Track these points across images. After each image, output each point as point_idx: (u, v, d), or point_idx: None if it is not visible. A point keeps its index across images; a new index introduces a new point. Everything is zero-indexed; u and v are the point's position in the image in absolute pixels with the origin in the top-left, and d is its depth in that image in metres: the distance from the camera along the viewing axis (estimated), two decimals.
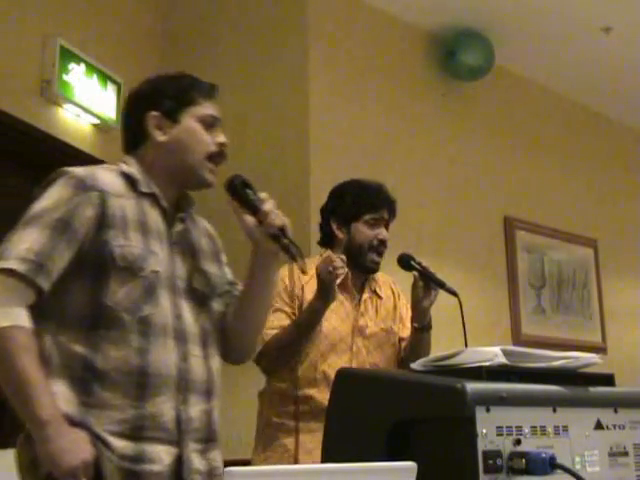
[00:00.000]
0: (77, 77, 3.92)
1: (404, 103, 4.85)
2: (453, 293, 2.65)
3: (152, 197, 1.91)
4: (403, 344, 2.78)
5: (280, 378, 2.65)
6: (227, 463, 1.19)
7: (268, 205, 1.91)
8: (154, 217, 1.90)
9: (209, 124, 1.96)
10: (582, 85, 5.78)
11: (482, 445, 1.34)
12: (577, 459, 1.49)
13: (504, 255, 5.30)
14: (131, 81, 4.31)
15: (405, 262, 2.68)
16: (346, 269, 2.50)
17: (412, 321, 2.69)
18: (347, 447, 1.50)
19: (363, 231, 2.72)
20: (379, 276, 2.83)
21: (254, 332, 2.07)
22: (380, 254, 2.73)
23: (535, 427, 1.43)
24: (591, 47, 5.30)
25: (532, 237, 5.47)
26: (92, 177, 1.85)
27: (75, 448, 1.67)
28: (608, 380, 1.68)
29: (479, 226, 5.14)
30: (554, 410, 1.47)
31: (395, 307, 2.82)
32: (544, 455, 1.37)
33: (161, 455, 1.77)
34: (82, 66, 3.95)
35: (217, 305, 1.99)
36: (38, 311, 1.76)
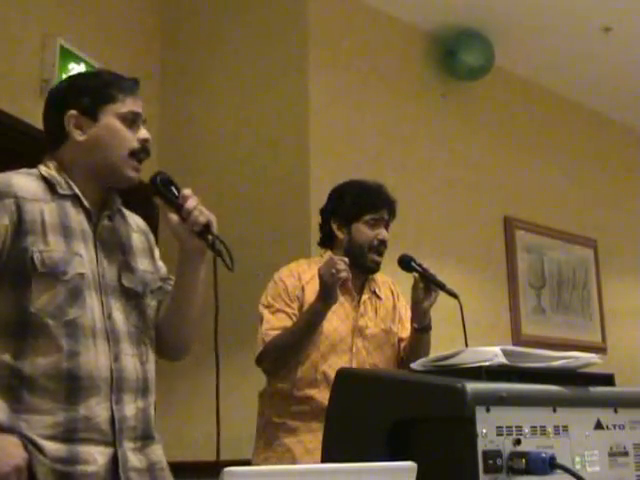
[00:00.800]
0: None
1: (404, 103, 4.85)
2: (453, 295, 2.65)
3: (74, 198, 1.89)
4: (403, 345, 2.78)
5: (280, 378, 2.65)
6: (227, 463, 1.19)
7: (191, 202, 1.88)
8: (77, 218, 1.87)
9: (130, 121, 1.92)
10: (582, 85, 5.78)
11: (482, 445, 1.34)
12: (577, 459, 1.48)
13: (504, 255, 5.30)
14: None
15: (406, 263, 2.68)
16: (349, 272, 2.50)
17: (412, 322, 2.70)
18: (347, 447, 1.50)
19: (363, 231, 2.72)
20: (378, 277, 2.83)
21: (187, 328, 2.04)
22: (380, 254, 2.73)
23: (535, 427, 1.43)
24: (591, 47, 5.30)
25: (532, 237, 5.47)
26: (6, 183, 1.83)
27: (6, 454, 1.67)
28: (608, 380, 1.68)
29: (479, 226, 5.14)
30: (554, 410, 1.47)
31: (394, 308, 2.82)
32: (544, 455, 1.37)
33: (95, 456, 1.77)
34: (82, 66, 3.95)
35: (150, 302, 1.98)
36: None
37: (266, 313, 2.66)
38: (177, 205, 1.88)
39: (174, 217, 1.89)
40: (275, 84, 4.38)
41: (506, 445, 1.37)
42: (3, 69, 3.57)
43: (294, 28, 4.43)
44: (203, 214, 1.88)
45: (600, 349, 5.59)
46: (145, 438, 1.89)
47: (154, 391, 1.95)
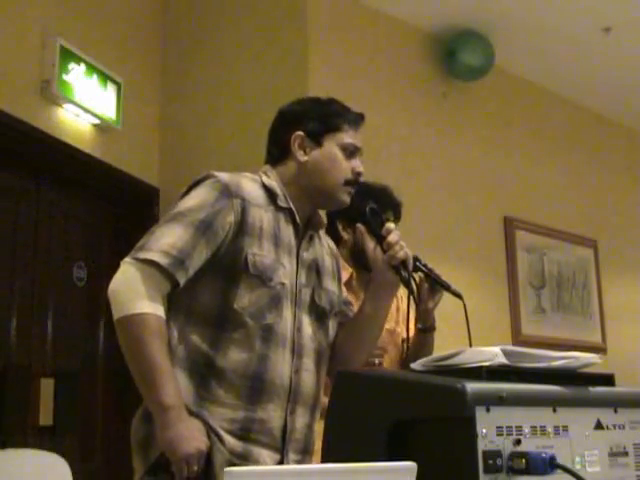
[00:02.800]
0: (77, 77, 3.92)
1: (404, 103, 4.85)
2: (458, 295, 2.65)
3: (288, 212, 1.99)
4: (406, 345, 2.78)
5: None
6: None
7: (394, 236, 1.98)
8: (287, 231, 1.97)
9: (350, 152, 2.03)
10: (582, 85, 5.78)
11: (482, 445, 1.34)
12: (577, 459, 1.48)
13: (504, 255, 5.30)
14: (131, 81, 4.34)
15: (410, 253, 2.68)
16: None
17: (416, 322, 2.69)
18: (347, 447, 1.50)
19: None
20: None
21: (361, 354, 2.13)
22: None
23: (535, 427, 1.43)
24: (591, 47, 5.30)
25: (532, 237, 5.47)
26: (237, 185, 1.92)
27: (192, 436, 1.73)
28: (608, 380, 1.68)
29: (479, 226, 5.14)
30: (554, 410, 1.47)
31: (398, 308, 2.82)
32: (544, 455, 1.37)
33: (265, 458, 1.84)
34: (82, 66, 3.95)
35: (333, 323, 2.07)
36: (170, 303, 1.86)
37: None
38: (380, 236, 1.99)
39: (374, 246, 2.01)
40: (275, 84, 4.38)
41: (506, 445, 1.37)
42: (3, 69, 3.57)
43: (294, 28, 4.43)
44: (403, 250, 1.98)
45: (600, 349, 5.59)
46: (305, 452, 1.95)
47: (321, 409, 2.00)
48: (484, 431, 1.35)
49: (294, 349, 1.92)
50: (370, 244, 2.00)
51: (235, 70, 4.54)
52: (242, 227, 1.88)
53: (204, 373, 1.83)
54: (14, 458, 2.82)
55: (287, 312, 1.92)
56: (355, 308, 2.69)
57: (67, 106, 3.91)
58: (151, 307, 1.77)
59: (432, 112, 5.02)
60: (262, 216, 1.92)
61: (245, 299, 1.86)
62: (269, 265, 1.89)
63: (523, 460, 1.37)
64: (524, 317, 5.30)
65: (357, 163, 2.04)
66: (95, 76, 4.04)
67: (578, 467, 1.47)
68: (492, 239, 5.24)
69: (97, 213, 4.36)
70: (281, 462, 1.87)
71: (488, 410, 1.36)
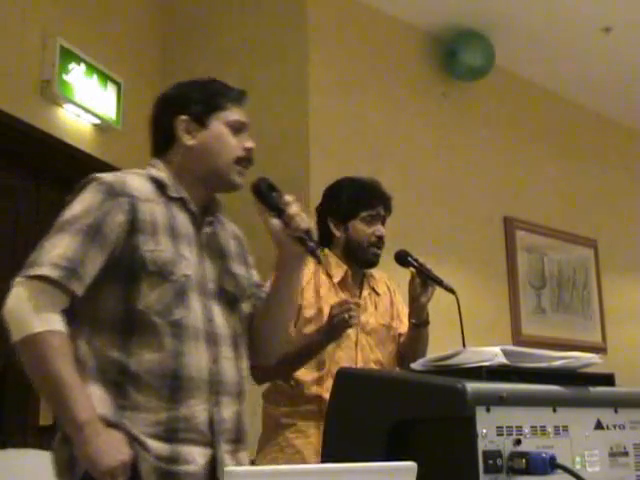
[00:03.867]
0: (77, 77, 3.92)
1: (404, 103, 4.85)
2: (450, 290, 2.65)
3: (181, 201, 1.94)
4: (401, 340, 2.78)
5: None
6: None
7: (294, 208, 1.93)
8: (183, 221, 1.92)
9: (237, 129, 1.98)
10: (582, 85, 5.78)
11: (482, 445, 1.34)
12: (577, 459, 1.49)
13: (504, 255, 5.30)
14: (131, 81, 4.34)
15: (402, 258, 2.68)
16: (357, 317, 2.50)
17: (409, 317, 2.70)
18: (347, 447, 1.50)
19: (361, 229, 2.71)
20: (375, 272, 2.83)
21: (280, 333, 2.10)
22: (379, 249, 2.73)
23: (535, 427, 1.43)
24: (591, 47, 5.30)
25: (532, 237, 5.47)
26: (121, 183, 1.87)
27: (113, 449, 1.69)
28: (608, 380, 1.68)
29: (479, 226, 5.14)
30: (554, 410, 1.47)
31: (392, 303, 2.82)
32: (544, 455, 1.37)
33: (195, 456, 1.80)
34: (82, 66, 3.95)
35: (246, 307, 2.02)
36: (72, 316, 1.79)
37: None
38: (279, 210, 1.93)
39: (276, 222, 1.94)
40: (275, 84, 4.38)
41: (506, 445, 1.37)
42: (3, 69, 3.57)
43: (294, 29, 4.43)
44: (305, 220, 1.93)
45: (600, 349, 5.59)
46: (238, 442, 1.92)
47: (247, 396, 1.98)
48: (484, 431, 1.35)
49: (209, 340, 1.87)
50: (272, 220, 1.92)
51: (235, 70, 4.53)
52: (134, 225, 1.83)
53: (119, 381, 1.78)
54: (14, 458, 2.82)
55: (195, 303, 1.86)
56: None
57: (67, 106, 3.91)
58: (49, 324, 1.71)
59: (432, 112, 5.02)
60: (154, 210, 1.87)
61: (149, 298, 1.81)
62: (168, 259, 1.83)
63: (523, 460, 1.37)
64: (524, 317, 5.30)
65: (245, 139, 1.99)
66: (95, 76, 4.04)
67: (578, 467, 1.47)
68: (492, 239, 5.24)
69: None
70: (214, 456, 1.82)
71: (488, 410, 1.36)
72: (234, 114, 1.99)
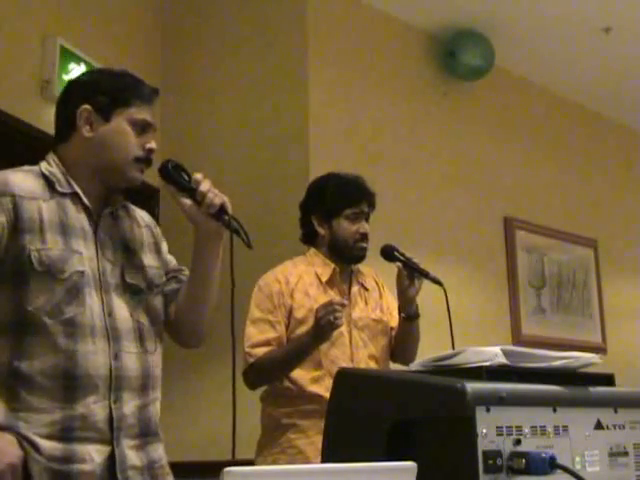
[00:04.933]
0: None
1: (404, 103, 4.85)
2: (437, 282, 2.66)
3: (73, 196, 1.88)
4: (393, 333, 2.79)
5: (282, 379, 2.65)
6: (227, 463, 1.19)
7: (205, 185, 1.90)
8: (77, 216, 1.86)
9: (140, 128, 1.92)
10: (582, 85, 5.78)
11: (482, 445, 1.34)
12: (577, 459, 1.48)
13: (504, 255, 5.30)
14: None
15: (388, 253, 2.69)
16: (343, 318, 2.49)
17: (399, 311, 2.70)
18: (347, 447, 1.50)
19: (345, 226, 2.71)
20: (362, 268, 2.83)
21: (205, 314, 2.04)
22: (365, 244, 2.73)
23: (535, 427, 1.43)
24: (591, 47, 5.30)
25: (532, 237, 5.47)
26: (4, 182, 1.82)
27: (2, 452, 1.67)
28: (608, 380, 1.68)
29: (479, 226, 5.14)
30: (554, 410, 1.47)
31: (381, 297, 2.82)
32: (544, 455, 1.37)
33: (92, 454, 1.77)
34: (82, 66, 3.94)
35: (155, 297, 1.97)
36: None
37: (248, 325, 2.64)
38: (190, 189, 1.90)
39: (188, 202, 1.90)
40: (275, 84, 4.38)
41: (506, 445, 1.37)
42: (3, 69, 3.57)
43: (294, 28, 4.43)
44: (218, 196, 1.90)
45: (600, 349, 5.59)
46: (145, 436, 1.88)
47: (159, 388, 1.95)
48: (484, 431, 1.35)
49: (109, 335, 1.83)
50: (183, 201, 1.89)
51: (235, 70, 4.54)
52: (18, 224, 1.77)
53: (10, 384, 1.75)
54: None
55: (92, 299, 1.82)
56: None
57: None
58: None
59: (432, 112, 5.02)
60: (41, 207, 1.81)
61: (38, 298, 1.76)
62: (57, 257, 1.78)
63: (523, 460, 1.37)
64: (524, 317, 5.30)
65: (148, 139, 1.93)
66: None
67: (578, 467, 1.47)
68: (492, 239, 5.24)
69: None
70: (112, 453, 1.79)
71: (488, 410, 1.36)
72: (141, 112, 1.93)
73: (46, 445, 1.73)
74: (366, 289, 2.80)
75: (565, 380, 1.55)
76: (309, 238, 2.80)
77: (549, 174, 5.70)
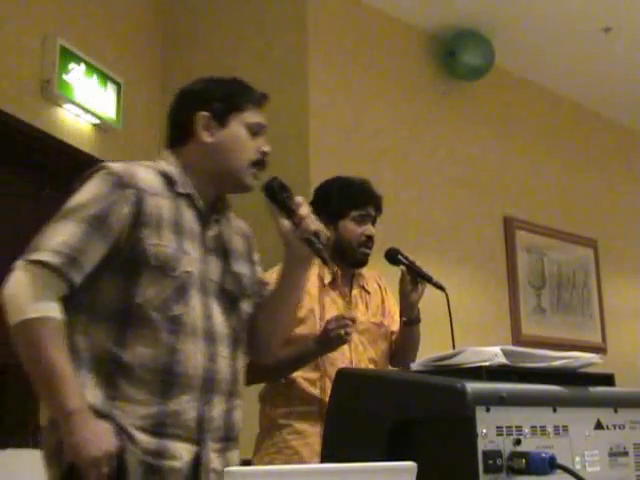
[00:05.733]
0: (77, 77, 3.92)
1: (404, 103, 4.86)
2: (440, 287, 2.65)
3: (188, 197, 1.93)
4: (393, 337, 2.79)
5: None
6: None
7: (304, 209, 1.94)
8: (189, 217, 1.91)
9: (255, 131, 1.98)
10: (582, 85, 5.78)
11: (482, 445, 1.34)
12: (577, 459, 1.48)
13: (504, 255, 5.30)
14: (131, 81, 4.34)
15: (392, 256, 2.68)
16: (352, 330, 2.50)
17: (401, 315, 2.70)
18: (347, 447, 1.50)
19: (350, 228, 2.71)
20: (365, 271, 2.82)
21: (281, 332, 2.10)
22: (369, 249, 2.73)
23: (535, 427, 1.43)
24: (591, 47, 5.30)
25: (532, 237, 5.47)
26: (130, 174, 1.86)
27: (99, 439, 1.69)
28: (608, 380, 1.68)
29: (479, 226, 5.14)
30: (554, 410, 1.47)
31: (383, 301, 2.82)
32: (544, 455, 1.37)
33: (181, 452, 1.79)
34: (82, 66, 3.95)
35: (246, 306, 2.02)
36: (70, 303, 1.78)
37: None
38: (290, 211, 1.94)
39: (285, 222, 1.94)
40: (275, 83, 4.38)
41: (506, 445, 1.37)
42: (3, 69, 3.57)
43: (294, 28, 4.43)
44: (314, 222, 1.93)
45: (600, 349, 5.59)
46: (227, 440, 1.91)
47: (241, 395, 1.98)
48: (484, 431, 1.35)
49: (207, 337, 1.86)
50: (281, 220, 1.93)
51: (235, 70, 4.50)
52: (139, 218, 1.81)
53: (111, 372, 1.77)
54: (14, 458, 2.82)
55: (195, 301, 1.85)
56: (338, 306, 2.70)
57: (67, 106, 3.91)
58: (45, 310, 1.71)
59: (432, 112, 5.02)
60: (160, 204, 1.85)
61: (148, 292, 1.79)
62: (171, 254, 1.82)
63: (523, 460, 1.37)
64: (524, 317, 5.30)
65: (263, 142, 1.98)
66: (95, 76, 4.05)
67: (578, 467, 1.47)
68: (492, 239, 5.24)
69: None
70: (199, 453, 1.82)
71: (488, 410, 1.36)
72: (254, 116, 1.99)
73: (141, 438, 1.75)
74: (368, 292, 2.79)
75: (565, 380, 1.55)
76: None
77: (549, 174, 5.70)
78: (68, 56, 3.85)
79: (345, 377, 1.61)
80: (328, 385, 2.53)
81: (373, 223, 2.76)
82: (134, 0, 4.60)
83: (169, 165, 1.95)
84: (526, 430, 1.41)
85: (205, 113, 1.94)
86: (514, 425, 1.40)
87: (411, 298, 2.63)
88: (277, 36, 4.45)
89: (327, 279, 2.70)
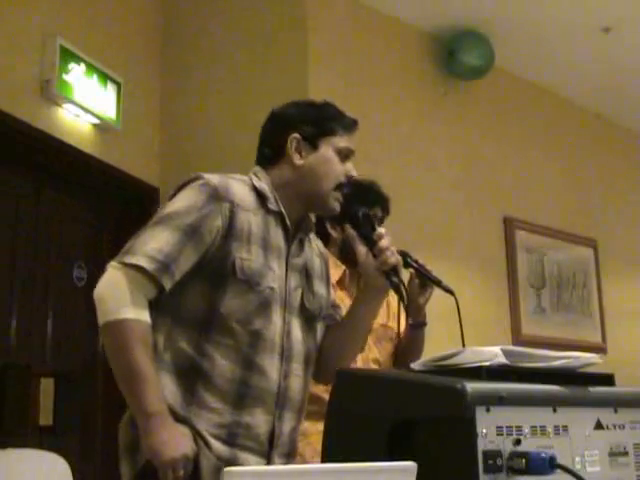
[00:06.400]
0: (77, 77, 3.91)
1: (404, 103, 4.85)
2: (449, 291, 2.65)
3: (278, 215, 1.97)
4: (398, 340, 2.78)
5: None
6: None
7: (385, 242, 1.97)
8: (277, 235, 1.96)
9: (344, 156, 2.02)
10: (582, 85, 5.78)
11: (482, 445, 1.34)
12: (577, 459, 1.48)
13: (504, 255, 5.30)
14: (131, 81, 4.34)
15: (401, 259, 2.68)
16: None
17: (407, 318, 2.69)
18: (347, 447, 1.50)
19: None
20: None
21: (348, 358, 2.14)
22: None
23: (535, 427, 1.43)
24: (591, 47, 5.30)
25: (532, 237, 5.47)
26: (225, 188, 1.90)
27: (177, 442, 1.72)
28: (608, 380, 1.68)
29: (479, 226, 5.14)
30: (554, 410, 1.47)
31: (388, 303, 2.82)
32: (544, 455, 1.37)
33: (252, 464, 1.84)
34: (82, 66, 3.95)
35: (321, 326, 2.07)
36: (157, 307, 1.83)
37: None
38: (371, 241, 1.98)
39: (365, 251, 2.00)
40: (275, 84, 4.38)
41: (506, 445, 1.37)
42: (3, 69, 3.57)
43: (294, 28, 4.43)
44: (394, 255, 1.98)
45: (600, 349, 5.59)
46: (289, 456, 1.96)
47: (305, 411, 2.03)
48: (484, 431, 1.35)
49: (283, 354, 1.91)
50: (362, 249, 1.98)
51: (235, 70, 4.54)
52: (230, 231, 1.87)
53: (191, 377, 1.83)
54: (14, 458, 2.82)
55: (276, 317, 1.90)
56: (346, 305, 2.70)
57: (67, 106, 3.91)
58: (136, 313, 1.76)
59: (432, 112, 5.02)
60: (251, 220, 1.91)
61: (232, 304, 1.85)
62: (257, 270, 1.87)
63: (523, 460, 1.37)
64: (524, 317, 5.30)
65: (350, 167, 2.04)
66: (95, 76, 4.04)
67: (578, 467, 1.47)
68: (492, 239, 5.24)
69: (97, 213, 4.36)
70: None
71: (488, 410, 1.36)
72: (344, 141, 2.02)
73: (215, 445, 1.80)
74: None
75: (565, 380, 1.55)
76: (321, 240, 2.80)
77: (549, 174, 5.70)
78: (68, 56, 3.85)
79: (345, 377, 1.61)
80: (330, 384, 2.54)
81: (380, 224, 2.76)
82: (134, 0, 4.59)
83: (261, 182, 1.99)
84: (526, 430, 1.41)
85: (297, 135, 1.99)
86: (514, 425, 1.40)
87: (418, 301, 2.63)
88: (277, 36, 4.45)
89: (334, 278, 2.70)
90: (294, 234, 2.01)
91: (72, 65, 3.88)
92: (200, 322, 1.85)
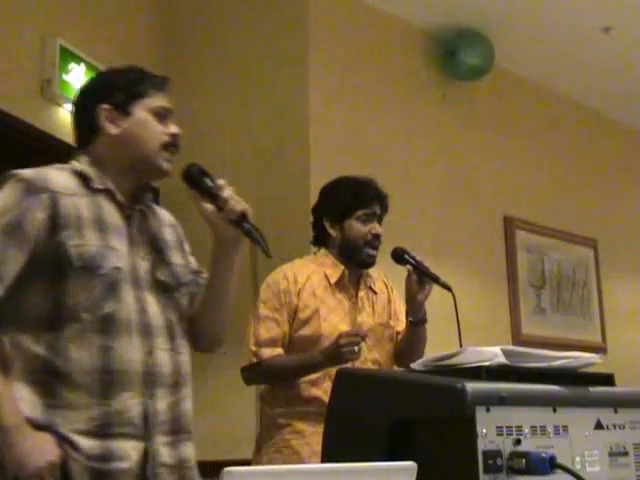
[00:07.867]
0: (77, 77, 3.91)
1: (404, 103, 4.85)
2: (447, 287, 2.65)
3: (107, 192, 1.90)
4: (398, 338, 2.78)
5: None
6: (227, 463, 1.18)
7: (227, 191, 1.91)
8: (111, 212, 1.89)
9: (161, 115, 1.95)
10: (582, 85, 5.78)
11: (482, 445, 1.34)
12: (577, 459, 1.48)
13: (504, 255, 5.30)
14: None
15: (399, 256, 2.68)
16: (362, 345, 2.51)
17: (407, 315, 2.69)
18: (347, 447, 1.50)
19: (357, 227, 2.71)
20: (372, 270, 2.82)
21: (222, 320, 2.06)
22: (375, 248, 2.73)
23: (535, 427, 1.43)
24: (591, 47, 5.30)
25: (532, 237, 5.47)
26: (42, 178, 1.84)
27: (40, 450, 1.68)
28: (608, 380, 1.68)
29: (479, 226, 5.14)
30: (554, 410, 1.47)
31: (389, 301, 2.82)
32: (544, 455, 1.37)
33: (128, 452, 1.78)
34: (82, 66, 3.95)
35: (182, 296, 1.99)
36: None
37: (254, 322, 2.64)
38: (213, 195, 1.91)
39: (210, 207, 1.91)
40: (275, 84, 4.38)
41: (506, 445, 1.37)
42: (3, 69, 3.57)
43: (294, 28, 4.43)
44: (240, 203, 1.91)
45: (600, 349, 5.59)
46: (177, 433, 1.89)
47: (189, 385, 1.96)
48: (484, 431, 1.35)
49: (142, 331, 1.85)
50: (206, 206, 1.91)
51: (235, 70, 4.54)
52: (57, 221, 1.79)
53: (47, 380, 1.76)
54: None
55: (128, 296, 1.84)
56: (345, 307, 2.70)
57: (67, 106, 3.91)
58: None
59: (432, 112, 5.02)
60: (78, 204, 1.83)
61: (77, 294, 1.78)
62: (95, 253, 1.80)
63: (523, 460, 1.37)
64: (524, 317, 5.30)
65: (170, 125, 1.96)
66: None
67: (578, 467, 1.47)
68: (492, 239, 5.24)
69: None
70: (146, 450, 1.80)
71: (488, 410, 1.36)
72: (157, 100, 1.95)
73: (85, 444, 1.74)
74: (374, 292, 2.79)
75: (565, 380, 1.55)
76: (320, 240, 2.80)
77: (549, 174, 5.70)
78: (68, 56, 3.85)
79: (345, 377, 1.61)
80: (329, 386, 2.53)
81: (379, 222, 2.76)
82: (134, 1, 4.59)
83: (81, 164, 1.92)
84: (526, 430, 1.41)
85: (106, 105, 1.92)
86: (514, 425, 1.40)
87: (418, 298, 2.63)
88: (277, 36, 4.45)
89: (333, 279, 2.70)
90: (131, 208, 1.93)
91: (72, 65, 3.88)
92: (47, 321, 1.78)
